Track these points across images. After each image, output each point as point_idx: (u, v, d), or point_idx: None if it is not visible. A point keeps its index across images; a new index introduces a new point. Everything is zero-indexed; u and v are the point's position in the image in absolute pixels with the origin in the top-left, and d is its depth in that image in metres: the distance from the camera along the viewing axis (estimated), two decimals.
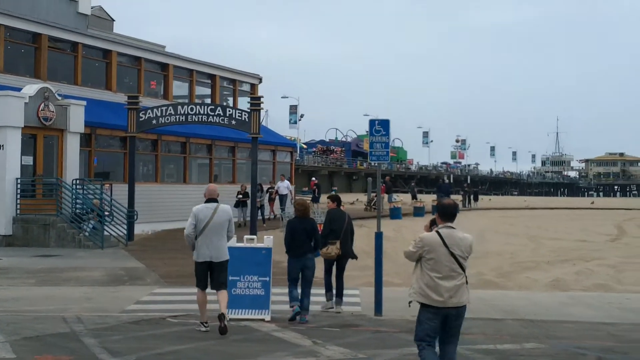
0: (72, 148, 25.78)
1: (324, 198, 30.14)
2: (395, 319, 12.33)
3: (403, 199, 54.88)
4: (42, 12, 28.86)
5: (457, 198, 55.54)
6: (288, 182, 35.50)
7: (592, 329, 12.23)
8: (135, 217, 25.76)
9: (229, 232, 11.60)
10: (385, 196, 45.63)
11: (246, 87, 38.98)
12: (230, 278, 12.39)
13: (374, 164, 14.30)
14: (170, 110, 26.02)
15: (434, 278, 7.56)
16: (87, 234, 24.00)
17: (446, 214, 7.81)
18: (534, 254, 24.26)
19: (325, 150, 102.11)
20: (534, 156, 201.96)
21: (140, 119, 26.00)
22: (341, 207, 14.60)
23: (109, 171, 29.91)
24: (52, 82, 26.74)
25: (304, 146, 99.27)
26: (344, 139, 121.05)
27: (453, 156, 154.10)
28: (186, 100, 33.35)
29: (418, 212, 43.45)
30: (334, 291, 13.62)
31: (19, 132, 23.94)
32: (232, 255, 12.48)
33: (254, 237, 13.37)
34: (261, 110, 27.34)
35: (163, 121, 26.08)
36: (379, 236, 13.49)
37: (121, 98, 28.29)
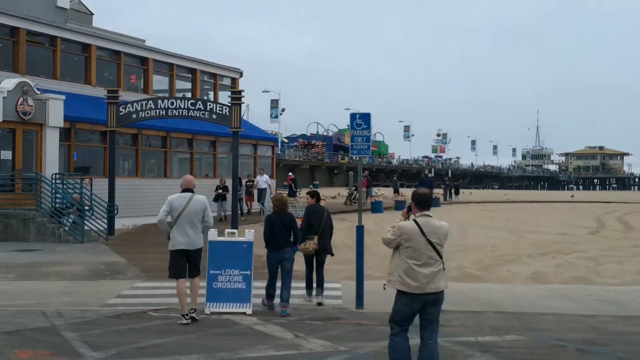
0: (52, 142, 25.61)
1: (304, 192, 30.12)
2: (377, 312, 12.33)
3: (384, 193, 54.95)
4: (21, 6, 28.57)
5: (438, 192, 55.74)
6: (267, 177, 35.31)
7: (572, 322, 12.29)
8: (115, 211, 25.63)
9: (206, 222, 11.79)
10: (365, 190, 45.69)
11: (227, 82, 38.85)
12: (211, 272, 12.47)
13: (355, 157, 14.30)
14: (150, 104, 25.87)
15: (412, 265, 7.68)
16: (67, 228, 23.87)
17: (422, 203, 7.93)
18: (515, 247, 24.38)
19: (306, 145, 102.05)
20: (514, 150, 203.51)
21: (120, 113, 25.86)
22: (322, 202, 14.69)
23: (89, 166, 29.72)
24: (30, 76, 26.55)
25: (286, 140, 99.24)
26: (325, 133, 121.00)
27: (434, 150, 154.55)
28: (166, 95, 33.20)
29: (399, 206, 43.48)
30: (315, 285, 13.75)
31: None
32: (213, 249, 12.55)
33: (235, 231, 13.36)
34: (242, 105, 27.24)
35: (143, 115, 25.94)
36: (360, 230, 13.49)
37: (101, 92, 28.09)
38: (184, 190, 11.84)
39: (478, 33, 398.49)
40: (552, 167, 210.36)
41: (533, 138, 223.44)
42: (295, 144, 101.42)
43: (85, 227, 24.05)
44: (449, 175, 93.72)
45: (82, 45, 30.46)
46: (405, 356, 7.85)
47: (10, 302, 13.22)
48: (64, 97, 25.93)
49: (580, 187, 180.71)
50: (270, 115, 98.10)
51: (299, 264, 16.19)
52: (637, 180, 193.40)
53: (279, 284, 12.81)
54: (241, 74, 39.51)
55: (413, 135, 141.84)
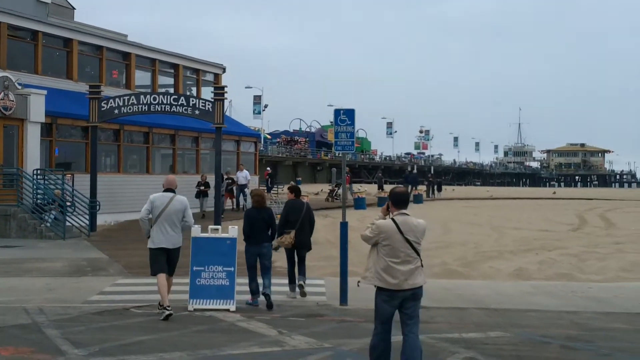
0: (33, 138, 25.40)
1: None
2: (360, 309, 12.31)
3: (367, 189, 54.98)
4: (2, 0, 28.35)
5: (422, 188, 55.85)
6: (247, 172, 35.12)
7: (555, 318, 12.32)
8: (97, 207, 25.47)
9: (186, 221, 12.03)
10: (347, 187, 45.65)
11: (210, 77, 38.67)
12: (194, 268, 12.44)
13: (338, 154, 14.27)
14: (132, 99, 25.71)
15: (390, 263, 7.78)
16: (48, 224, 23.70)
17: (399, 201, 8.03)
18: (498, 243, 24.44)
19: (289, 141, 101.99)
20: (496, 147, 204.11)
21: (102, 109, 25.67)
22: (303, 198, 14.80)
23: (71, 161, 29.49)
24: (12, 71, 26.27)
25: (268, 137, 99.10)
26: (308, 130, 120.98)
27: (417, 147, 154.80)
28: (149, 90, 33.00)
29: (382, 202, 43.40)
30: (297, 281, 13.86)
31: None
32: (196, 245, 12.49)
33: (219, 227, 13.30)
34: (225, 101, 27.13)
35: (125, 111, 25.76)
36: (344, 226, 13.45)
37: (82, 87, 27.90)
38: (165, 190, 12.11)
39: (460, 29, 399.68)
40: (534, 164, 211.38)
41: (515, 135, 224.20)
42: (278, 140, 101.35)
43: (67, 224, 23.90)
44: (432, 172, 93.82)
45: (64, 40, 30.21)
46: (385, 358, 7.93)
47: None
48: (45, 92, 25.74)
49: (562, 184, 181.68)
50: (253, 112, 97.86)
51: (281, 260, 16.20)
52: (618, 177, 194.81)
53: (260, 280, 12.88)
54: (224, 70, 39.35)
55: (396, 131, 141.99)
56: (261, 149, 65.18)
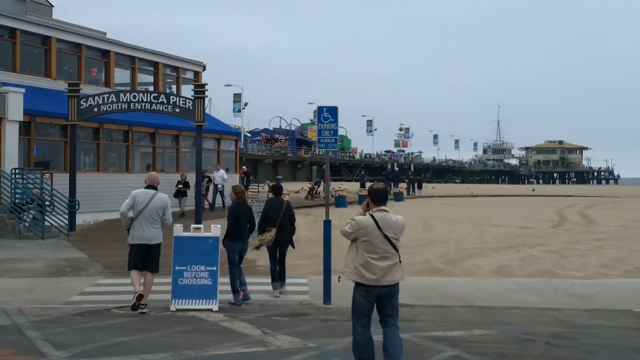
0: (11, 136, 25.11)
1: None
2: (344, 307, 12.16)
3: (348, 187, 54.94)
4: None
5: (402, 186, 55.90)
6: (223, 172, 34.89)
7: (538, 315, 12.33)
8: (76, 206, 25.24)
9: (165, 219, 12.18)
10: (322, 185, 45.69)
11: (190, 75, 38.44)
12: (176, 268, 12.33)
13: (320, 152, 14.27)
14: (112, 98, 25.50)
15: (368, 259, 7.87)
16: (27, 224, 23.46)
17: (378, 197, 8.12)
18: (479, 240, 24.48)
19: (269, 139, 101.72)
20: (475, 144, 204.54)
21: (82, 107, 25.44)
22: (284, 196, 15.02)
23: (49, 160, 29.19)
24: None
25: (248, 135, 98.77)
26: (288, 128, 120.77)
27: (397, 144, 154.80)
28: (128, 88, 32.76)
29: (363, 200, 43.35)
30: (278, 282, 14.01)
31: None
32: (178, 244, 12.38)
33: (201, 226, 13.19)
34: (205, 98, 26.96)
35: (105, 109, 25.56)
36: (327, 224, 13.40)
37: (61, 85, 27.61)
38: (147, 187, 12.24)
39: (440, 27, 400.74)
40: (513, 162, 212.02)
41: (494, 132, 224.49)
42: (258, 138, 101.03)
43: (46, 223, 23.67)
44: (412, 169, 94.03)
45: (42, 38, 29.92)
46: (369, 355, 7.98)
47: None
48: (23, 90, 25.44)
49: (540, 181, 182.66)
50: (233, 110, 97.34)
51: (263, 259, 16.13)
52: (596, 174, 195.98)
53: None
54: (204, 68, 39.14)
55: (376, 129, 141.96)
56: (241, 147, 64.89)
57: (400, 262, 8.00)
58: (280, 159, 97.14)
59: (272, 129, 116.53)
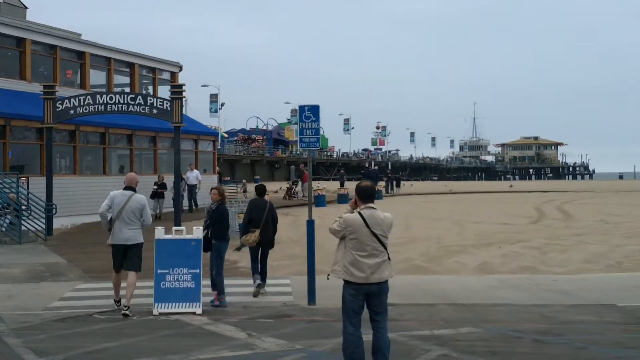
0: None
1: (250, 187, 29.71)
2: (329, 307, 12.14)
3: (326, 187, 54.83)
4: None
5: (381, 184, 55.88)
6: (197, 172, 34.67)
7: (523, 312, 12.29)
8: (54, 210, 24.94)
9: (144, 220, 12.25)
10: (300, 184, 45.58)
11: (166, 76, 38.18)
12: (158, 271, 12.17)
13: (299, 151, 14.21)
14: (88, 99, 25.22)
15: (357, 257, 7.85)
16: (3, 229, 23.12)
17: (365, 195, 8.09)
18: (460, 238, 24.45)
19: (246, 139, 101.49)
20: (452, 141, 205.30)
21: (57, 109, 25.14)
22: (266, 197, 14.86)
23: (25, 164, 28.83)
24: None
25: (226, 135, 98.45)
26: (265, 128, 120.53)
27: (374, 143, 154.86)
28: (104, 90, 32.45)
29: (342, 199, 43.44)
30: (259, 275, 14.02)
31: None
32: (160, 247, 12.22)
33: (183, 228, 13.03)
34: (183, 99, 26.75)
35: (81, 111, 25.27)
36: (310, 224, 13.28)
37: (36, 88, 27.30)
38: (126, 188, 12.34)
39: (415, 25, 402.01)
40: (489, 158, 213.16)
41: (470, 129, 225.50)
42: (235, 138, 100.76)
43: (23, 228, 23.37)
44: (389, 167, 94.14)
45: (16, 40, 29.53)
46: (359, 354, 7.91)
47: None
48: None
49: (517, 177, 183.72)
50: (210, 110, 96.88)
51: (245, 260, 16.01)
52: (571, 169, 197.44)
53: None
54: (180, 68, 38.89)
55: (353, 128, 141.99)
56: (218, 147, 64.59)
57: (389, 259, 7.99)
58: (257, 159, 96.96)
59: (249, 129, 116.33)
